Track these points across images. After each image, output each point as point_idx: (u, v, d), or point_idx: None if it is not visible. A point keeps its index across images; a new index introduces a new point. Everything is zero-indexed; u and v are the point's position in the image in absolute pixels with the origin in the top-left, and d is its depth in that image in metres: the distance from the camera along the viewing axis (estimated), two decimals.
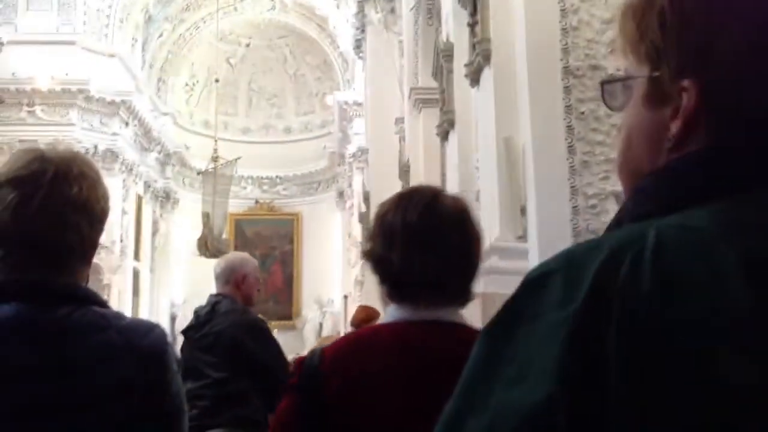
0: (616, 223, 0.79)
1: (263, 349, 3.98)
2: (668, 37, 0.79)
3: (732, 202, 0.70)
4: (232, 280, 4.12)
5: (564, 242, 5.09)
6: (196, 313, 4.16)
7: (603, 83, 0.93)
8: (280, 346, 4.22)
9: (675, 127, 0.77)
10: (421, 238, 1.60)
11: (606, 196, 5.40)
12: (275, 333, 5.27)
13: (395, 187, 12.43)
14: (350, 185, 20.98)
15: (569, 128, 5.51)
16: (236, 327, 3.92)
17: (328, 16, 23.87)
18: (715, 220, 0.68)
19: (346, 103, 20.97)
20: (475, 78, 6.41)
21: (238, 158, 22.51)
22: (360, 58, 16.35)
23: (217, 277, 4.16)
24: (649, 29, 0.81)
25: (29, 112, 19.41)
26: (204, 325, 3.99)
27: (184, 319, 22.27)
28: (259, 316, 4.36)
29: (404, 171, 11.57)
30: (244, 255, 4.48)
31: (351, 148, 20.56)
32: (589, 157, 5.49)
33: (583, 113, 5.49)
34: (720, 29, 0.76)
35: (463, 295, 1.66)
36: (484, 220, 6.46)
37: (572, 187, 5.42)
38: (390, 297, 1.65)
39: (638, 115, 0.83)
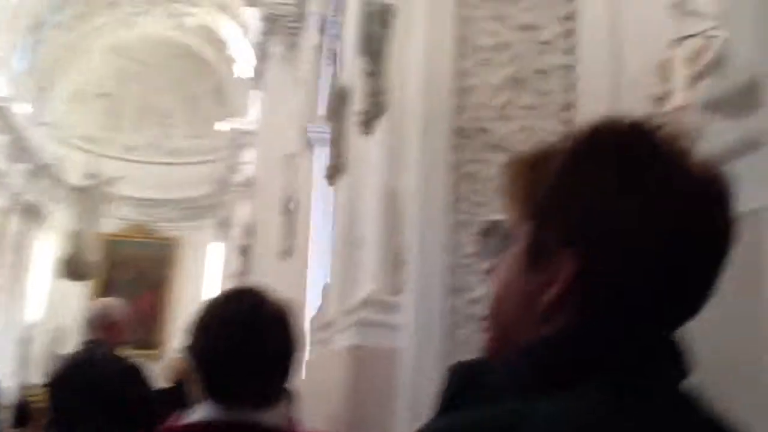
0: (497, 389, 0.78)
1: (141, 396, 3.91)
2: (556, 202, 0.77)
3: (595, 389, 0.69)
4: (105, 325, 4.06)
5: (440, 299, 5.18)
6: (69, 360, 4.09)
7: (481, 233, 0.92)
8: (154, 392, 4.20)
9: (549, 295, 0.74)
10: (243, 338, 1.63)
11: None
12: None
13: (278, 222, 12.30)
14: (234, 215, 20.62)
15: (454, 186, 5.66)
16: (114, 375, 3.86)
17: (227, 40, 23.61)
18: (578, 413, 0.67)
19: (238, 131, 20.71)
20: (368, 126, 6.49)
21: (120, 177, 21.66)
22: (257, 88, 16.23)
23: (90, 322, 4.11)
24: (539, 188, 0.78)
25: None
26: (77, 373, 3.87)
27: (41, 344, 20.99)
28: (133, 361, 4.24)
29: (289, 209, 11.50)
30: (117, 301, 4.44)
31: (238, 177, 20.26)
32: (470, 216, 5.65)
33: (468, 173, 5.66)
34: (609, 206, 0.74)
35: (276, 396, 1.69)
36: (363, 268, 6.50)
37: (451, 244, 5.55)
38: (206, 392, 1.65)
39: (514, 271, 0.80)
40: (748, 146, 1.85)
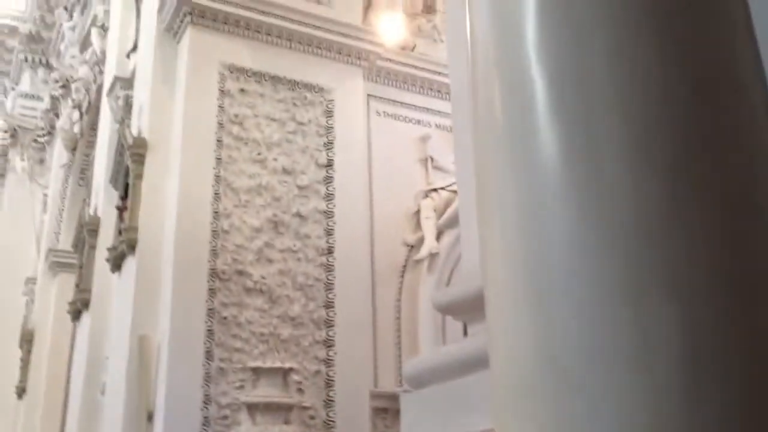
0: None
1: None
2: None
3: None
4: None
5: None
6: None
7: None
8: None
9: None
10: None
11: (239, 406, 5.25)
12: None
13: (15, 356, 10.94)
14: None
15: (209, 332, 5.37)
16: None
17: None
18: None
19: None
20: (117, 264, 6.03)
21: None
22: None
23: None
24: None
25: None
26: None
27: None
28: None
29: (28, 340, 10.30)
30: None
31: None
32: (227, 364, 5.36)
33: (225, 318, 5.41)
34: None
35: None
36: (105, 421, 5.85)
37: (206, 394, 5.20)
38: None
39: None
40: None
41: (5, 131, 12.85)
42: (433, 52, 6.27)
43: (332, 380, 5.33)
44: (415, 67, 6.23)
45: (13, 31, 12.37)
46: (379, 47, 6.04)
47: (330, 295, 5.48)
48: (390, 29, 5.95)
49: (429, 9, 6.36)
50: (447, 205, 5.50)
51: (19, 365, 10.36)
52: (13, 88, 13.01)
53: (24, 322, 10.79)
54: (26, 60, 12.26)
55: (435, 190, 5.62)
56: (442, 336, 5.24)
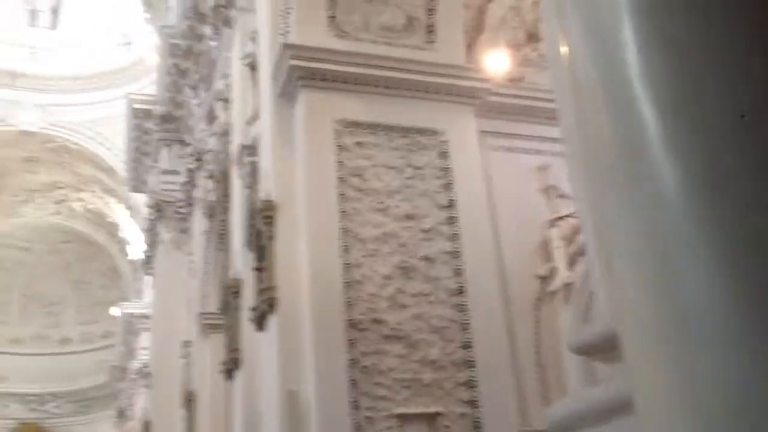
0: None
1: None
2: None
3: None
4: None
5: None
6: None
7: None
8: None
9: None
10: None
11: None
12: None
13: (178, 416, 11.58)
14: (132, 406, 19.37)
15: (353, 382, 5.47)
16: None
17: (119, 223, 23.20)
18: None
19: (132, 315, 19.87)
20: (260, 323, 6.28)
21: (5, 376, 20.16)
22: (149, 274, 15.79)
23: None
24: None
25: None
26: None
27: None
28: None
29: (189, 400, 10.85)
30: None
31: (135, 364, 19.21)
32: (373, 412, 5.43)
33: (366, 367, 5.49)
34: None
35: None
36: None
37: None
38: None
39: None
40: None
41: (151, 207, 13.83)
42: (543, 79, 6.19)
43: (479, 422, 5.27)
44: (526, 98, 6.18)
45: (148, 114, 13.42)
46: (487, 83, 6.05)
47: (466, 335, 5.45)
48: (496, 64, 5.95)
49: (532, 38, 6.32)
50: (575, 232, 5.37)
51: (184, 425, 10.92)
52: (154, 166, 14.03)
53: (184, 383, 11.41)
54: (162, 139, 13.22)
55: (561, 218, 5.51)
56: (587, 369, 5.07)
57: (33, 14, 23.00)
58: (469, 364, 5.40)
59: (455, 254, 5.62)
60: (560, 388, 5.18)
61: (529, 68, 6.32)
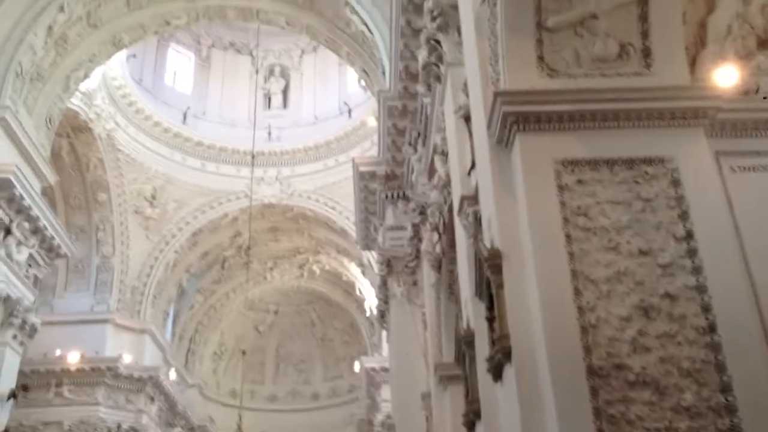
0: None
1: None
2: None
3: None
4: None
5: None
6: None
7: None
8: None
9: None
10: None
11: None
12: None
13: None
14: None
15: None
16: None
17: (354, 282, 24.45)
18: None
19: (373, 369, 20.67)
20: (496, 373, 6.19)
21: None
22: (384, 328, 16.36)
23: None
24: None
25: (56, 393, 19.33)
26: None
27: None
28: None
29: None
30: None
31: (380, 416, 19.86)
32: None
33: (613, 416, 5.17)
34: None
35: None
36: None
37: None
38: None
39: None
40: None
41: (382, 263, 14.40)
42: None
43: None
44: (764, 110, 5.61)
45: (373, 175, 14.11)
46: (717, 100, 5.58)
47: (724, 378, 4.94)
48: (724, 78, 5.49)
49: (765, 44, 5.76)
50: None
51: None
52: (381, 224, 14.66)
53: None
54: (387, 197, 13.81)
55: None
56: None
57: (266, 97, 25.44)
58: (730, 409, 4.88)
59: (701, 289, 5.16)
60: None
61: (765, 77, 5.75)
